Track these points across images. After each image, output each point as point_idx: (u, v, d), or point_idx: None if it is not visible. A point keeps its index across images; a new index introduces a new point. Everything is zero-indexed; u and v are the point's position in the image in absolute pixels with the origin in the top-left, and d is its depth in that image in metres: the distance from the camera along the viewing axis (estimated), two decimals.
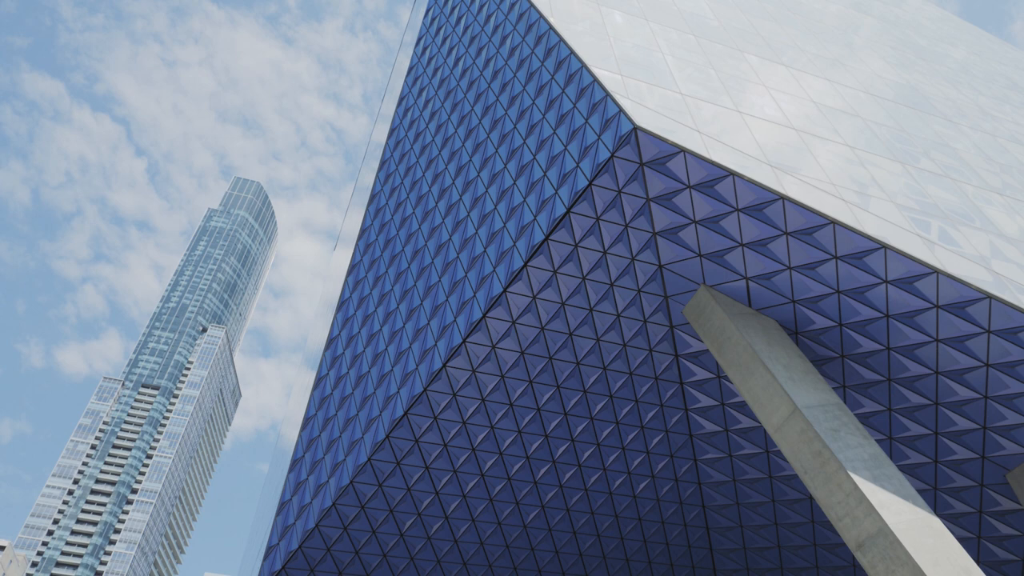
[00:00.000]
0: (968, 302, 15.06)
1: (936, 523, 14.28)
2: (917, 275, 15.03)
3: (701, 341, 17.73)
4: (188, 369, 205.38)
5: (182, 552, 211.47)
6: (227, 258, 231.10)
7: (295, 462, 21.55)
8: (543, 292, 16.89)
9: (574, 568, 20.69)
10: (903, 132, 20.92)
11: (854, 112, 20.88)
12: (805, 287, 16.15)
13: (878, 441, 17.71)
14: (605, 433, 18.47)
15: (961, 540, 18.37)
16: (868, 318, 16.17)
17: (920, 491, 18.00)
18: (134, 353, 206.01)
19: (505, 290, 16.61)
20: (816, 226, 15.06)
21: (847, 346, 16.91)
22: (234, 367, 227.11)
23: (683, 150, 14.76)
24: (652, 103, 15.94)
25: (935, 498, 18.14)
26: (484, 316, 16.92)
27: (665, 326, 17.71)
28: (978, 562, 18.43)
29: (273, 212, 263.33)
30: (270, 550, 20.37)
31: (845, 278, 15.67)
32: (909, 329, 16.05)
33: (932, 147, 20.65)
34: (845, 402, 17.43)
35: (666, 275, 16.83)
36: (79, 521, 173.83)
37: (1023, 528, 18.41)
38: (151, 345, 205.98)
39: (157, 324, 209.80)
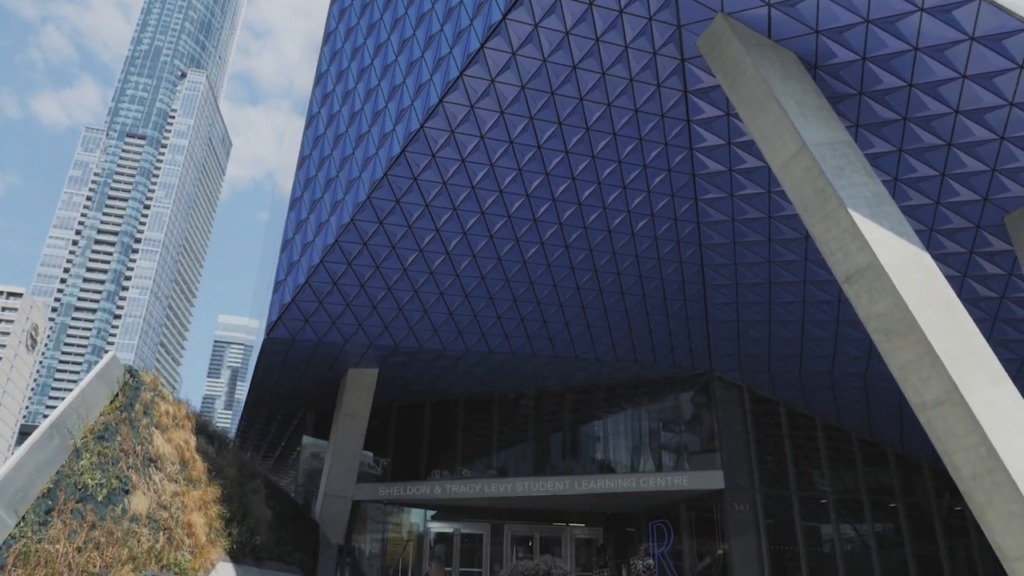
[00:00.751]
0: (1006, 34, 13.97)
1: (926, 259, 14.46)
2: (956, 2, 13.77)
3: (712, 76, 16.77)
4: (172, 117, 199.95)
5: (194, 296, 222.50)
6: None
7: (294, 201, 21.48)
8: (546, 20, 15.57)
9: (571, 300, 21.57)
10: None
11: None
12: (832, 15, 14.88)
13: (884, 182, 17.51)
14: (606, 172, 18.17)
15: (948, 278, 18.92)
16: (895, 51, 15.13)
17: (917, 231, 18.17)
18: (113, 101, 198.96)
19: (504, 17, 15.28)
20: None
21: (867, 82, 16.03)
22: (220, 115, 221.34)
23: None
24: None
25: (929, 238, 18.41)
26: (482, 47, 15.75)
27: (676, 59, 16.63)
28: (960, 297, 19.16)
29: None
30: (278, 285, 21.02)
31: (877, 5, 14.37)
32: (936, 64, 15.09)
33: None
34: (856, 142, 16.93)
35: (680, 1, 15.43)
36: (89, 269, 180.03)
37: (1007, 268, 18.93)
38: (129, 92, 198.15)
39: (132, 69, 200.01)
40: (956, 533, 24.98)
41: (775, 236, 19.41)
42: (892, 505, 25.13)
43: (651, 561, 18.69)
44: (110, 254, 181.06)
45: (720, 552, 23.99)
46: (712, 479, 23.60)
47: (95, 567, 12.29)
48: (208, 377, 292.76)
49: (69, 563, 11.87)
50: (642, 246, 20.26)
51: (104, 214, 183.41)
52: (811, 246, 18.84)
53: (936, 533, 24.82)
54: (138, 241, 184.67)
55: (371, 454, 27.99)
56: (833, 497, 24.86)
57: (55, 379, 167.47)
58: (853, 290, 14.38)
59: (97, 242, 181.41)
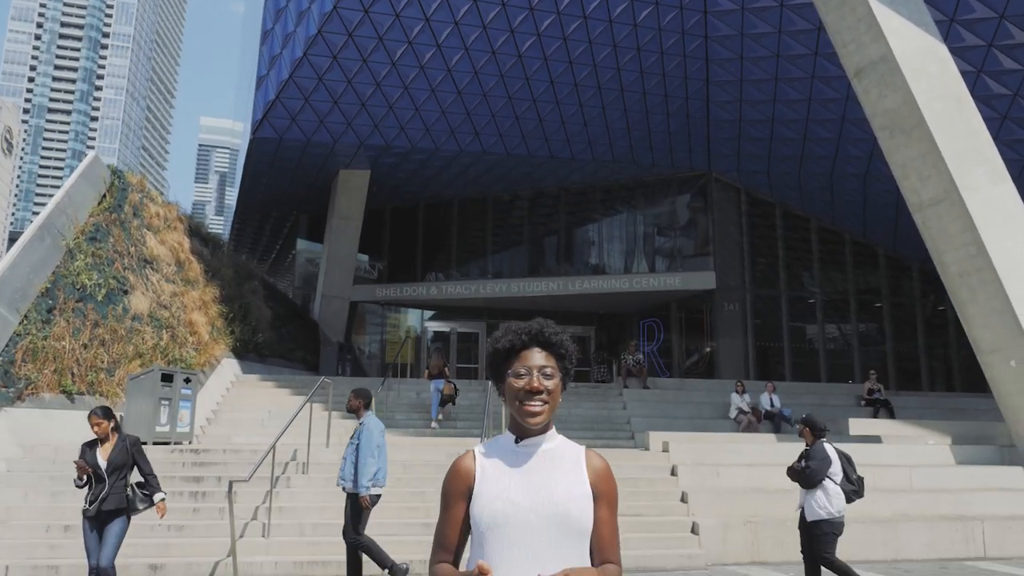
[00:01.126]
0: None
1: (942, 51, 13.75)
2: None
3: None
4: None
5: (172, 97, 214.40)
6: None
7: None
8: None
9: (568, 97, 20.65)
10: None
11: None
12: None
13: None
14: None
15: (962, 73, 18.07)
16: None
17: (936, 22, 17.08)
18: None
19: None
20: None
21: None
22: None
23: None
24: None
25: (948, 29, 17.35)
26: None
27: None
28: (972, 95, 18.46)
29: None
30: (260, 80, 19.90)
31: None
32: None
33: None
34: None
35: None
36: (57, 68, 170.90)
37: None
38: None
39: None
40: (936, 332, 26.09)
41: (785, 28, 18.25)
42: (878, 305, 25.99)
43: (641, 356, 19.49)
44: (78, 50, 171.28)
45: (708, 349, 25.09)
46: (704, 280, 24.09)
47: (103, 363, 12.65)
48: (196, 183, 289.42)
49: (77, 359, 12.18)
50: (644, 39, 19.07)
51: (65, 5, 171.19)
52: (823, 38, 17.76)
53: (917, 332, 25.91)
54: (106, 36, 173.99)
55: (366, 257, 28.26)
56: (821, 297, 25.61)
57: (37, 185, 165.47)
58: (862, 85, 13.73)
59: (62, 36, 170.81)
